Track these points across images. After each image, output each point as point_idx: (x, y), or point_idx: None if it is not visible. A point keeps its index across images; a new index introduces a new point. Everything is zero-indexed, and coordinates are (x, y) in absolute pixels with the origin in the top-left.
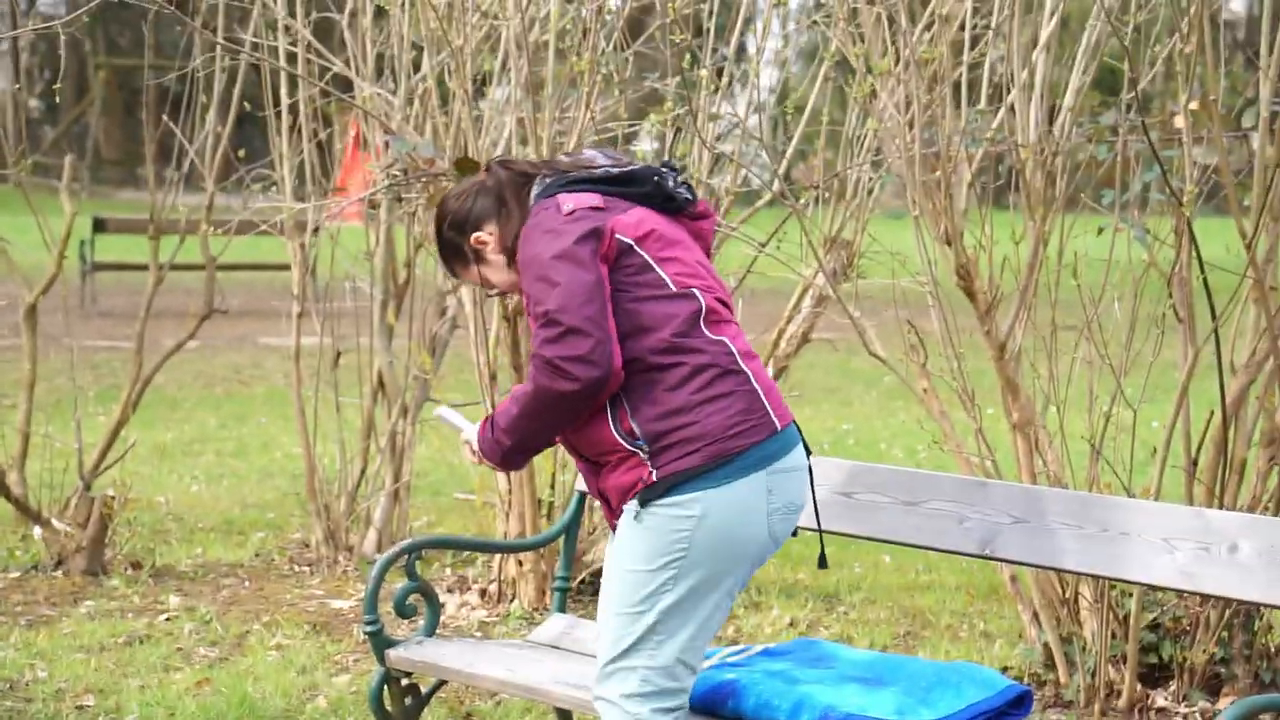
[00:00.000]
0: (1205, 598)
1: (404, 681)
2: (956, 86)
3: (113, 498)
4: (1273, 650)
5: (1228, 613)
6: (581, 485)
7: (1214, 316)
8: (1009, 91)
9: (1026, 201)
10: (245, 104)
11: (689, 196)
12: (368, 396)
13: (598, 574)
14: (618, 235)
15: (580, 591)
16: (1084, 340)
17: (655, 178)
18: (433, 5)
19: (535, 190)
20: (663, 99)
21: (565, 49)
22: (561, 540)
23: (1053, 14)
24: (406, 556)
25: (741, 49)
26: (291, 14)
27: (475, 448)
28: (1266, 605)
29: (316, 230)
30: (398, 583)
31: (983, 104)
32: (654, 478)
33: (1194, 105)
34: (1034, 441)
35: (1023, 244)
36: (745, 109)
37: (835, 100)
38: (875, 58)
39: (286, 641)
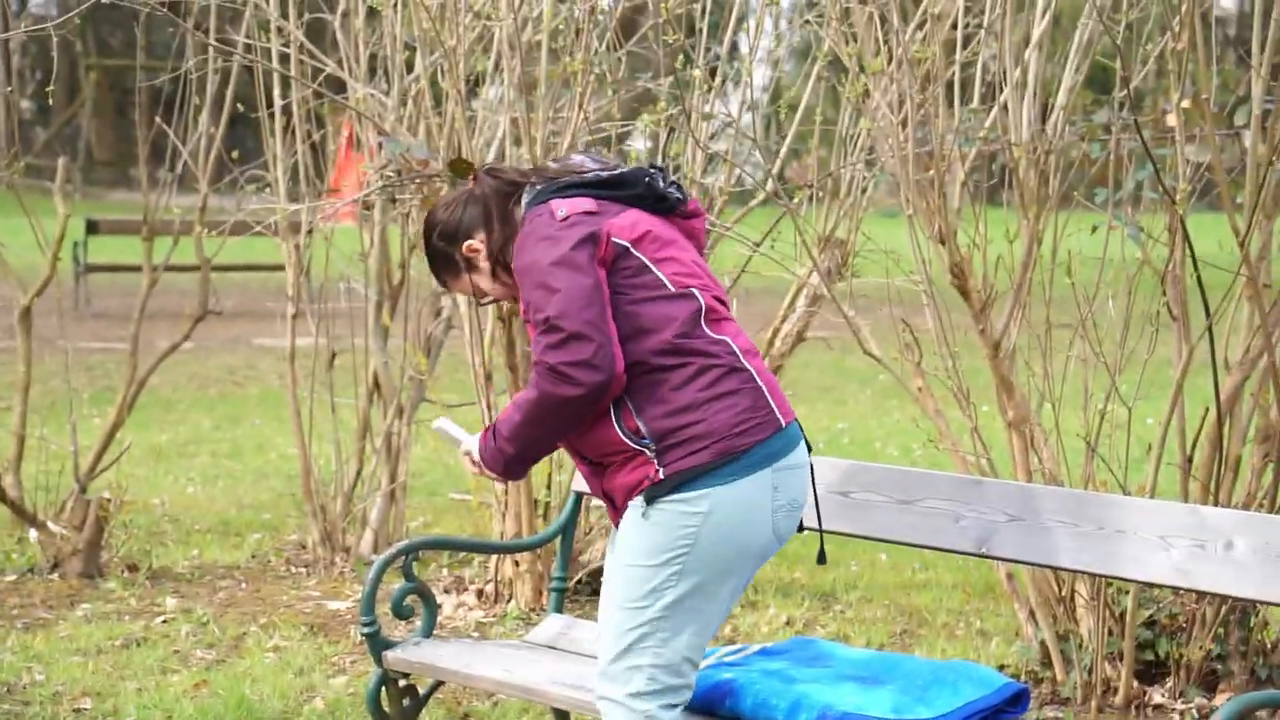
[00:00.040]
0: (1201, 594)
1: (401, 682)
2: (949, 85)
3: (108, 500)
4: (1268, 646)
5: (1224, 609)
6: (578, 485)
7: (1208, 314)
8: (1002, 90)
9: (1020, 200)
10: (238, 105)
11: (680, 196)
12: (363, 397)
13: (595, 574)
14: (613, 238)
15: (577, 592)
16: (1079, 338)
17: (646, 179)
18: (425, 6)
19: (526, 198)
20: (656, 98)
21: (558, 49)
22: (558, 540)
23: (1045, 12)
24: (403, 557)
25: (734, 48)
26: (284, 15)
27: (476, 458)
28: (1262, 602)
29: (311, 231)
30: (394, 583)
31: (976, 103)
32: (661, 475)
33: (1186, 103)
34: (1029, 439)
35: (1017, 242)
36: (738, 108)
37: (828, 99)
38: (868, 57)
39: (284, 643)
